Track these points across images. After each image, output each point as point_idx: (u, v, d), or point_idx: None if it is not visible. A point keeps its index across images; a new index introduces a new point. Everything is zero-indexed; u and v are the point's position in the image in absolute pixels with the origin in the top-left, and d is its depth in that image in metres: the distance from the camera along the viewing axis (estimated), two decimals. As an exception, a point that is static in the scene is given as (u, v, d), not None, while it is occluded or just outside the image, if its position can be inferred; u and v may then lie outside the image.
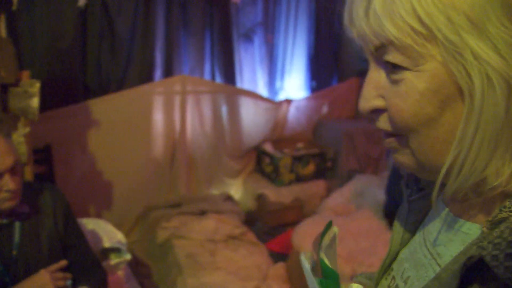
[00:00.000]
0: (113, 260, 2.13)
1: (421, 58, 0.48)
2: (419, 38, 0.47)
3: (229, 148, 3.84)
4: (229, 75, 3.75)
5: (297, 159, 3.89)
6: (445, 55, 0.46)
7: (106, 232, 2.24)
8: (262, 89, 4.07)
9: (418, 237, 0.64)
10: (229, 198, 3.71)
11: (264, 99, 3.94)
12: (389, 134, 0.56)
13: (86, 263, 1.60)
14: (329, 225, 0.70)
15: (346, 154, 4.02)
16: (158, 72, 3.42)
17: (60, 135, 3.01)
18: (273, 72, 4.11)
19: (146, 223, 3.41)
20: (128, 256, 2.15)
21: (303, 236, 2.68)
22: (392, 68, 0.51)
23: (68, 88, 3.11)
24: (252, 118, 3.86)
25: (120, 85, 3.28)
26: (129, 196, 3.40)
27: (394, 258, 0.70)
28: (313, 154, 3.99)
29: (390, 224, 2.72)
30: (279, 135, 4.13)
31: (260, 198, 3.81)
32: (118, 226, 3.09)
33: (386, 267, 0.71)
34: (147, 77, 3.38)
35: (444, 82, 0.47)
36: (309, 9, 4.11)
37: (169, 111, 3.45)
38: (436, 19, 0.45)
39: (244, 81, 3.90)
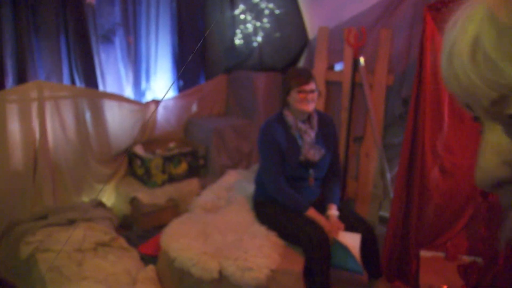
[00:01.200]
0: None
1: None
2: None
3: (97, 153, 3.71)
4: (90, 79, 3.61)
5: (168, 159, 3.88)
6: None
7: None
8: (128, 91, 3.99)
9: None
10: (100, 204, 3.60)
11: (130, 101, 3.86)
12: None
13: None
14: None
15: (218, 150, 4.09)
16: (9, 79, 3.21)
17: None
18: (137, 73, 4.04)
19: (9, 240, 3.20)
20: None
21: (172, 236, 2.69)
22: None
23: None
24: (118, 121, 3.76)
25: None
26: (-11, 214, 3.16)
27: None
28: (185, 153, 4.00)
29: (257, 214, 2.83)
30: (149, 136, 4.08)
31: (133, 201, 3.75)
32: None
33: None
34: (-2, 85, 3.16)
35: None
36: (170, 9, 4.09)
37: (26, 120, 3.23)
38: None
39: (107, 84, 3.79)
